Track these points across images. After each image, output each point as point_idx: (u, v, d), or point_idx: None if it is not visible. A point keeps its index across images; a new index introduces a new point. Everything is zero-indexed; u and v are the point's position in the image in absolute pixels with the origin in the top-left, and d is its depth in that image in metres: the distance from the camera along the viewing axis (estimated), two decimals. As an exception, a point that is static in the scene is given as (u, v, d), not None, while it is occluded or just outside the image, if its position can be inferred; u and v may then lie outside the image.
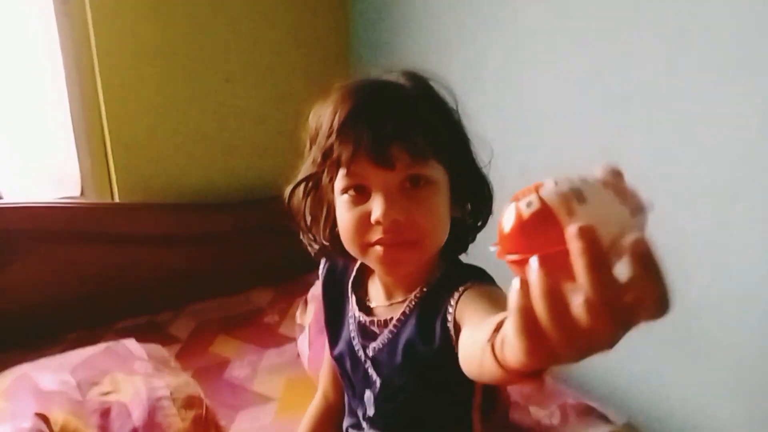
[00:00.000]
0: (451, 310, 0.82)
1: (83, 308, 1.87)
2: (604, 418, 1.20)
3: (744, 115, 1.22)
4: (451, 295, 0.83)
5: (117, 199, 1.98)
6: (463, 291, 0.82)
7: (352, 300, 1.00)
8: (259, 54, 2.08)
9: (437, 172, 0.85)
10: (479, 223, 0.94)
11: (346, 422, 1.07)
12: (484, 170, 0.94)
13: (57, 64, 1.87)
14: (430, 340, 0.86)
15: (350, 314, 1.00)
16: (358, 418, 1.03)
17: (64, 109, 1.91)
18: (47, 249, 1.83)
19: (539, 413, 1.20)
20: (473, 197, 0.93)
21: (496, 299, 0.78)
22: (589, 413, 1.21)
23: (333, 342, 1.05)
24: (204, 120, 2.06)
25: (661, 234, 1.46)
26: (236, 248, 2.13)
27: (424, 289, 0.91)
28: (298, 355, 1.75)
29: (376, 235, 0.84)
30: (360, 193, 0.85)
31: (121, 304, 1.93)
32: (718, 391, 1.34)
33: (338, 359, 1.04)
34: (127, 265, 1.95)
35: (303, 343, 1.69)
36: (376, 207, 0.83)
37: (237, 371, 1.74)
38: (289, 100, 1.96)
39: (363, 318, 0.97)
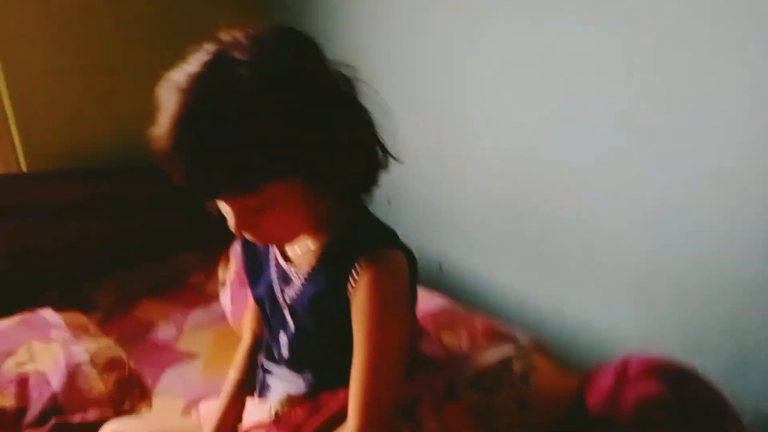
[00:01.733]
0: (354, 276, 0.89)
1: (1, 284, 1.81)
2: (513, 338, 1.25)
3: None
4: (354, 266, 0.89)
5: (24, 169, 1.91)
6: (369, 259, 0.88)
7: (273, 247, 1.02)
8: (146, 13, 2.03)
9: (278, 191, 0.82)
10: (370, 179, 0.93)
11: (261, 358, 1.09)
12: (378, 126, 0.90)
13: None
14: (334, 296, 0.92)
15: (272, 260, 1.03)
16: (273, 356, 1.06)
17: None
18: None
19: (449, 339, 1.24)
20: (352, 172, 0.88)
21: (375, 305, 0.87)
22: (497, 335, 1.25)
23: (253, 285, 1.08)
24: (106, 83, 1.99)
25: (563, 165, 1.51)
26: (158, 213, 2.07)
27: (331, 242, 0.94)
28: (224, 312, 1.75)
29: None
30: None
31: (41, 277, 1.87)
32: (619, 306, 1.41)
33: (258, 302, 1.07)
34: (44, 236, 1.89)
35: (225, 298, 1.69)
36: (230, 222, 0.87)
37: (162, 332, 1.73)
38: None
39: (283, 264, 1.00)
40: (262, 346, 1.11)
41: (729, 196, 1.18)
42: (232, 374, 1.13)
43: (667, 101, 1.24)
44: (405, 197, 1.83)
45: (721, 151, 1.18)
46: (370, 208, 0.98)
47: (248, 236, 0.90)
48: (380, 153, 0.91)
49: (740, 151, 1.15)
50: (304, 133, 0.79)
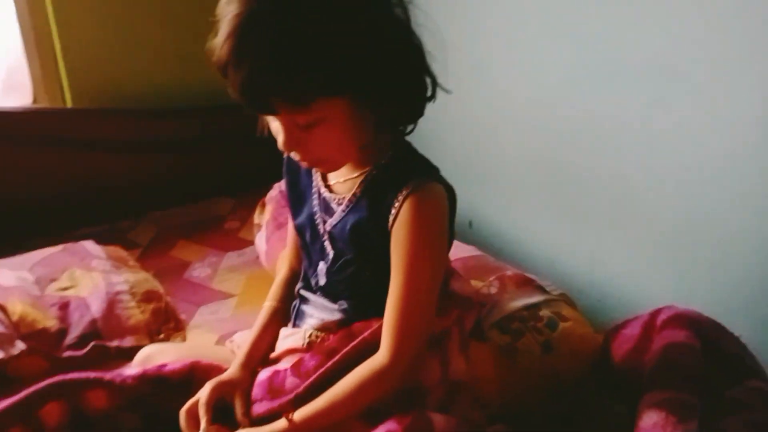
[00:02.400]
0: (396, 205, 0.91)
1: (42, 215, 1.87)
2: (541, 289, 1.26)
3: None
4: (400, 189, 0.91)
5: (69, 106, 1.96)
6: (411, 190, 0.91)
7: (317, 176, 1.05)
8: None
9: (328, 109, 0.85)
10: (417, 109, 0.94)
11: (299, 285, 1.12)
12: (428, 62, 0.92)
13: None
14: (375, 224, 0.94)
15: (315, 190, 1.05)
16: (310, 285, 1.09)
17: (11, 17, 1.87)
18: (2, 155, 1.82)
19: (478, 284, 1.26)
20: (400, 98, 0.90)
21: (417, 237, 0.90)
22: (527, 284, 1.26)
23: (295, 214, 1.10)
24: (155, 23, 2.02)
25: (601, 119, 1.51)
26: (198, 156, 2.12)
27: (374, 171, 0.97)
28: (258, 256, 1.78)
29: None
30: None
31: (81, 212, 1.93)
32: (651, 265, 1.41)
33: (299, 230, 1.09)
34: (86, 172, 1.94)
35: (260, 240, 1.72)
36: (279, 138, 0.90)
37: (197, 271, 1.78)
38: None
39: (326, 194, 1.02)
40: (298, 278, 1.14)
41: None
42: (267, 303, 1.15)
43: (708, 46, 1.22)
44: (435, 148, 1.83)
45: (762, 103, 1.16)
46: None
47: (295, 156, 0.93)
48: (429, 84, 0.92)
49: None
50: (359, 51, 0.82)
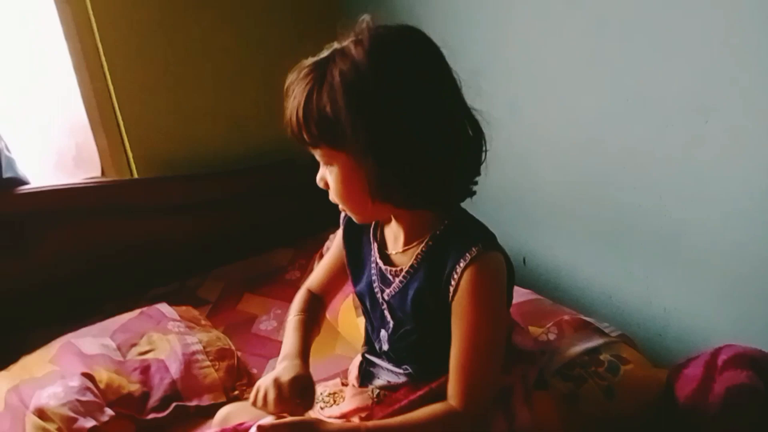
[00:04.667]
0: (455, 276, 0.94)
1: (116, 280, 1.99)
2: (600, 332, 1.28)
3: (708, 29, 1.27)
4: (458, 261, 0.94)
5: (136, 176, 2.09)
6: (469, 261, 0.93)
7: (374, 246, 1.09)
8: (253, 24, 2.16)
9: (335, 158, 0.93)
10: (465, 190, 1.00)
11: (364, 349, 1.17)
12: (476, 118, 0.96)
13: (62, 52, 1.95)
14: (436, 293, 0.97)
15: (373, 259, 1.09)
16: (375, 349, 1.13)
17: (76, 97, 2.01)
18: (77, 226, 1.94)
19: (537, 331, 1.29)
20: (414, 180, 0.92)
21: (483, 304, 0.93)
22: (585, 327, 1.28)
23: (355, 280, 1.15)
24: (207, 91, 2.14)
25: (641, 155, 1.53)
26: (254, 211, 2.22)
27: (430, 243, 1.00)
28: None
29: None
30: None
31: (152, 273, 2.04)
32: (707, 298, 1.41)
33: (360, 296, 1.14)
34: (153, 235, 2.06)
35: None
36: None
37: (264, 325, 1.86)
38: (285, 63, 2.01)
39: (382, 265, 1.06)
40: (316, 299, 1.21)
41: None
42: (291, 317, 1.20)
43: (742, 81, 1.24)
44: (489, 192, 1.87)
45: None
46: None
47: (323, 185, 1.00)
48: (476, 164, 0.97)
49: None
50: (373, 131, 0.88)
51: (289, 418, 0.95)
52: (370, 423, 0.97)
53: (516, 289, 1.59)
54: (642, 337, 1.50)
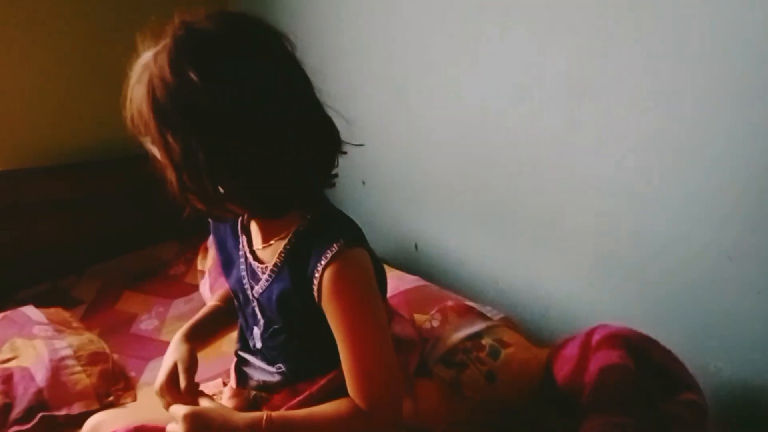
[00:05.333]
0: (315, 281, 0.89)
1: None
2: (483, 316, 1.28)
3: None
4: (319, 260, 0.89)
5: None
6: (330, 260, 0.88)
7: (243, 240, 1.04)
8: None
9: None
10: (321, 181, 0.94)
11: (237, 347, 1.12)
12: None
13: None
14: (301, 293, 0.92)
15: (242, 253, 1.04)
16: (248, 346, 1.09)
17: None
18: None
19: (422, 319, 1.28)
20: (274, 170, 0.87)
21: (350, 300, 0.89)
22: (469, 312, 1.29)
23: (226, 275, 1.09)
24: (65, 81, 2.01)
25: (522, 140, 1.54)
26: (135, 204, 2.08)
27: (293, 240, 0.95)
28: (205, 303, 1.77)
29: None
30: None
31: (20, 274, 1.89)
32: (583, 277, 1.45)
33: (234, 292, 1.09)
34: (20, 233, 1.91)
35: (204, 287, 1.72)
36: None
37: (144, 324, 1.76)
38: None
39: (252, 260, 1.01)
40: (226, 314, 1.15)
41: (683, 164, 1.21)
42: (211, 303, 1.17)
43: (611, 66, 1.27)
44: (380, 179, 1.86)
45: (670, 119, 1.20)
46: (345, 191, 1.00)
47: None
48: (329, 161, 0.92)
49: (693, 116, 1.17)
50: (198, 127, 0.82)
51: (190, 409, 0.90)
52: (275, 414, 0.92)
53: (403, 276, 1.59)
54: (527, 319, 1.53)
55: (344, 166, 0.96)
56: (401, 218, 1.86)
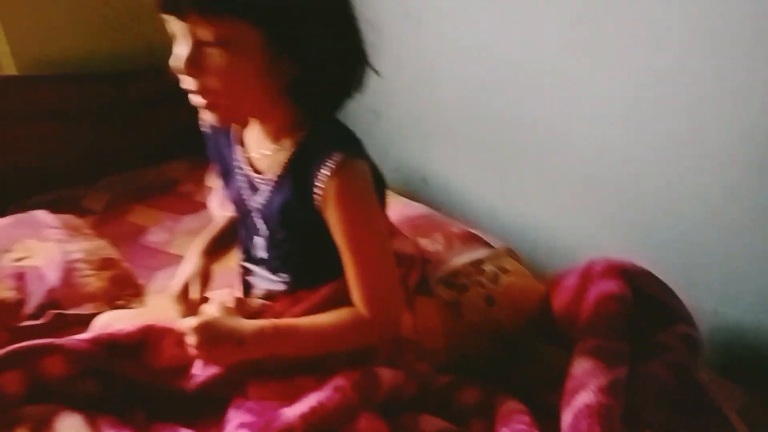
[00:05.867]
0: (318, 190, 0.91)
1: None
2: (486, 244, 1.30)
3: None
4: (319, 168, 0.90)
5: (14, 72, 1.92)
6: (332, 170, 0.89)
7: (238, 150, 1.04)
8: None
9: (235, 31, 0.82)
10: (338, 82, 0.94)
11: (241, 259, 1.14)
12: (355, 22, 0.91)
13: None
14: (302, 205, 0.94)
15: (237, 164, 1.04)
16: (251, 256, 1.11)
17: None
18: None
19: (423, 241, 1.30)
20: (314, 56, 0.88)
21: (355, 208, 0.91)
22: (472, 239, 1.31)
23: (226, 188, 1.11)
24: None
25: (516, 65, 1.51)
26: (148, 119, 2.09)
27: (296, 150, 0.95)
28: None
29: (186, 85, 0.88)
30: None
31: (32, 181, 1.91)
32: (578, 206, 1.47)
33: (233, 203, 1.10)
34: (35, 140, 1.92)
35: (213, 203, 1.73)
36: (179, 57, 0.85)
37: (154, 236, 1.78)
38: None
39: (249, 171, 1.02)
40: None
41: (676, 95, 1.21)
42: (225, 213, 1.19)
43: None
44: (391, 111, 1.85)
45: (661, 51, 1.20)
46: (354, 121, 1.01)
47: (188, 83, 0.88)
48: (358, 67, 0.93)
49: (682, 47, 1.17)
50: None
51: (199, 321, 0.92)
52: (281, 322, 0.96)
53: (410, 203, 1.61)
54: (529, 250, 1.54)
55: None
56: (411, 150, 1.86)
